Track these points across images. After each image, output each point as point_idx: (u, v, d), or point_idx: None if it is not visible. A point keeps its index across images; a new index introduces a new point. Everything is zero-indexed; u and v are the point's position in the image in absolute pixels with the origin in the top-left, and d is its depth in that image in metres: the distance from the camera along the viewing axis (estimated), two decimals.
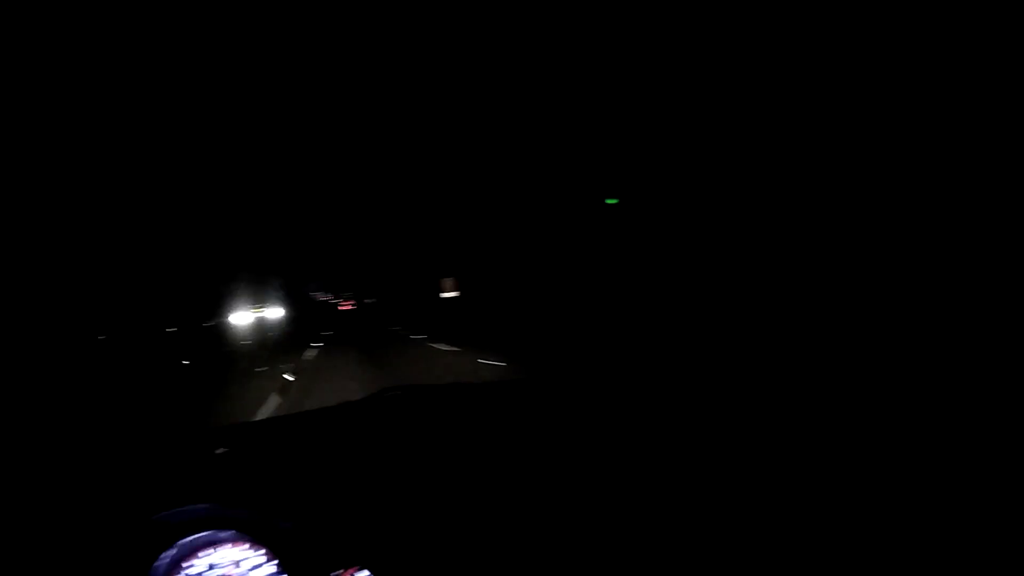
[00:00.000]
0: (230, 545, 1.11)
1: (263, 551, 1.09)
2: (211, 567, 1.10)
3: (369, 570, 1.05)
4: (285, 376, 8.89)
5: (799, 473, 1.15)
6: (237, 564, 1.10)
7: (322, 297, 63.99)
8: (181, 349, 17.27)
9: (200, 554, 1.11)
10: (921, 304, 6.34)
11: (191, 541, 1.10)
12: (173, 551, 1.08)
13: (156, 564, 1.07)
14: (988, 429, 1.11)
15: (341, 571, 1.05)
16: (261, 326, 28.92)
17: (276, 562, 1.08)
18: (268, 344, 17.34)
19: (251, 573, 1.10)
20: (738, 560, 1.02)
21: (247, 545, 1.11)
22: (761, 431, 1.28)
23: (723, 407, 1.38)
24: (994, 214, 7.20)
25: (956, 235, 7.49)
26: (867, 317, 6.64)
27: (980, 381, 1.30)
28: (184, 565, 1.10)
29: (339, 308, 50.81)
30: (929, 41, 8.46)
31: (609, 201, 16.06)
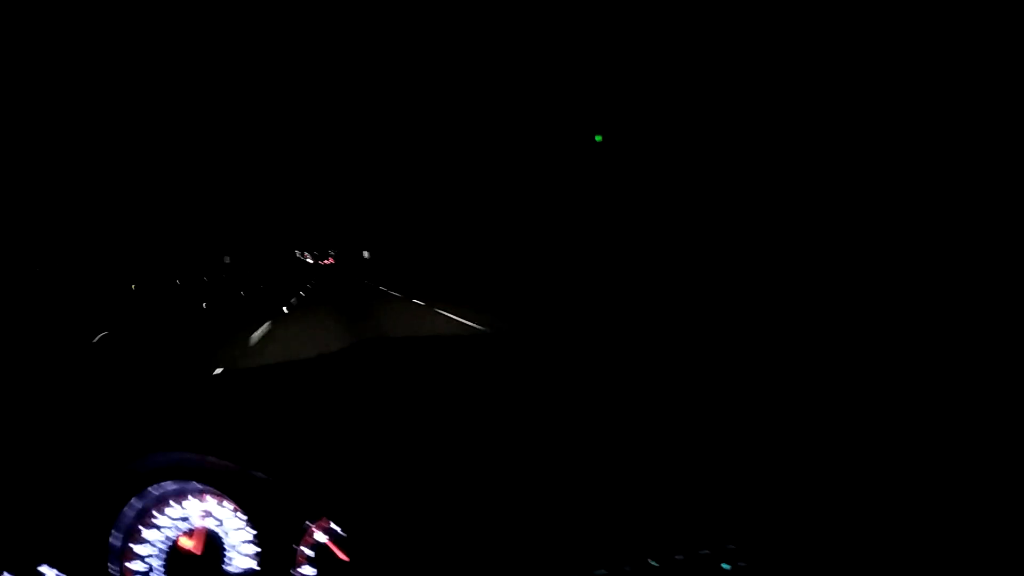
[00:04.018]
0: (198, 496, 1.09)
1: (231, 504, 1.07)
2: (180, 519, 1.08)
3: (339, 522, 1.03)
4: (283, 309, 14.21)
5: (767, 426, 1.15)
6: (207, 515, 1.09)
7: (309, 259, 65.32)
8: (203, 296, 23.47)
9: (168, 504, 1.09)
10: (920, 302, 6.38)
11: (159, 491, 1.07)
12: (140, 501, 1.06)
13: (123, 512, 1.05)
14: (988, 429, 1.11)
15: (311, 523, 1.04)
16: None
17: (245, 515, 1.06)
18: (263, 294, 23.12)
19: (221, 525, 1.08)
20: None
21: (214, 497, 1.09)
22: (745, 397, 1.27)
23: (711, 374, 1.37)
24: (993, 214, 7.22)
25: (956, 235, 7.52)
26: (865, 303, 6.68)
27: (980, 381, 1.29)
28: (152, 514, 1.08)
29: (321, 264, 56.78)
30: (929, 41, 8.35)
31: (597, 138, 16.32)
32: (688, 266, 12.68)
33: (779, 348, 1.66)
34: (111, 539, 1.03)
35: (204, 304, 18.23)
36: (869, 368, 1.41)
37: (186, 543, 1.06)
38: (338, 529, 1.03)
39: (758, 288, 9.31)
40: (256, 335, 9.60)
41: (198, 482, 1.07)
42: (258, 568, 1.02)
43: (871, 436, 1.12)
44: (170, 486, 1.08)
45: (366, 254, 58.69)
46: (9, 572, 0.98)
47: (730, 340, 1.81)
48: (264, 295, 22.24)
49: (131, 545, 1.05)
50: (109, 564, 1.01)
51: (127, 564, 1.04)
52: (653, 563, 0.97)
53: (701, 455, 1.10)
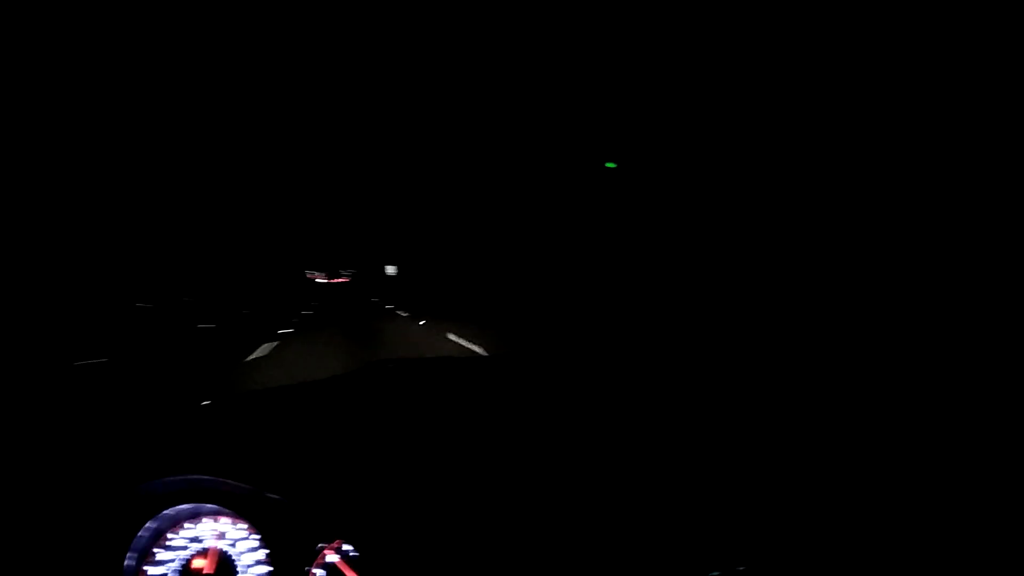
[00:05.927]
0: (212, 518, 1.10)
1: (244, 525, 1.08)
2: (194, 540, 1.10)
3: (353, 545, 1.04)
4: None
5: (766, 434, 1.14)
6: (220, 536, 1.10)
7: (320, 279, 64.15)
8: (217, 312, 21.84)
9: (182, 525, 1.10)
10: (919, 303, 6.32)
11: (174, 513, 1.09)
12: (155, 523, 1.07)
13: (138, 535, 1.06)
14: (988, 429, 1.10)
15: (324, 545, 1.04)
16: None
17: (258, 536, 1.07)
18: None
19: (234, 546, 1.09)
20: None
21: (228, 518, 1.10)
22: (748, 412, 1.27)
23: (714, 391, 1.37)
24: (993, 215, 7.17)
25: (956, 235, 7.46)
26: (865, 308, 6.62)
27: (979, 381, 1.28)
28: (166, 536, 1.09)
29: (332, 282, 54.52)
30: (929, 42, 8.38)
31: (608, 165, 16.38)
32: (696, 285, 12.64)
33: (790, 365, 1.65)
34: (126, 560, 1.04)
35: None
36: (883, 389, 1.39)
37: (199, 563, 1.07)
38: (350, 550, 1.04)
39: (765, 300, 9.25)
40: None
41: (212, 503, 1.09)
42: None
43: (888, 461, 1.11)
44: (185, 508, 1.09)
45: (391, 270, 52.55)
46: None
47: (743, 356, 1.80)
48: (244, 325, 16.03)
49: (145, 567, 1.06)
50: None
51: None
52: None
53: (711, 475, 1.09)
